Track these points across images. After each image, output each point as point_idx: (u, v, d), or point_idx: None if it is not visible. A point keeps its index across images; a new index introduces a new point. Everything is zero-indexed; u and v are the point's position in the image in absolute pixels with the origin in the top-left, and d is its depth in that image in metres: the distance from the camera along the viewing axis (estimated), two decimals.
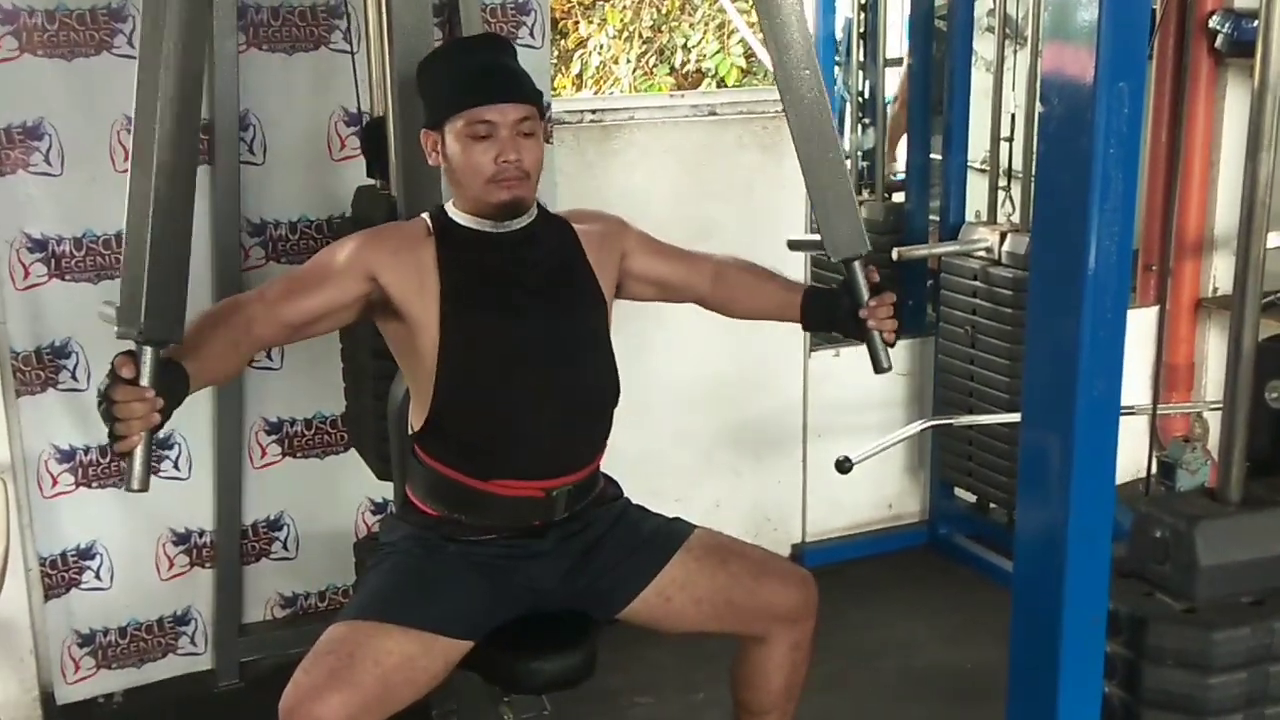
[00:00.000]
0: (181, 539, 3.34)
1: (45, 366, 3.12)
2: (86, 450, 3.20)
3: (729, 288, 2.52)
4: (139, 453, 1.92)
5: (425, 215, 2.35)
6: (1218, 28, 3.91)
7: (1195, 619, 1.44)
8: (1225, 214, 4.14)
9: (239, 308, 2.21)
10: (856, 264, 2.35)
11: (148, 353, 1.96)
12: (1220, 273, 4.18)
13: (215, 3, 3.03)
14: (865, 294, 2.35)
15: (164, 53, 2.01)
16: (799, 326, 2.55)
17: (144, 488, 1.95)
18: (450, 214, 2.31)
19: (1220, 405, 1.53)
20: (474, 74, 2.26)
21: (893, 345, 2.37)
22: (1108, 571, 1.41)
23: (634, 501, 2.51)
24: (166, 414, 1.95)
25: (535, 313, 2.31)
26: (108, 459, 3.20)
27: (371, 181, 2.99)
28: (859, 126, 4.46)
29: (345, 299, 2.24)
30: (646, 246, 2.49)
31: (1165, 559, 1.47)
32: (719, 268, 2.53)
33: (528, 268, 2.32)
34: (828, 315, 2.44)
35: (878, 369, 2.37)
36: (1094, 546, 1.39)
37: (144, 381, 1.93)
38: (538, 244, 2.34)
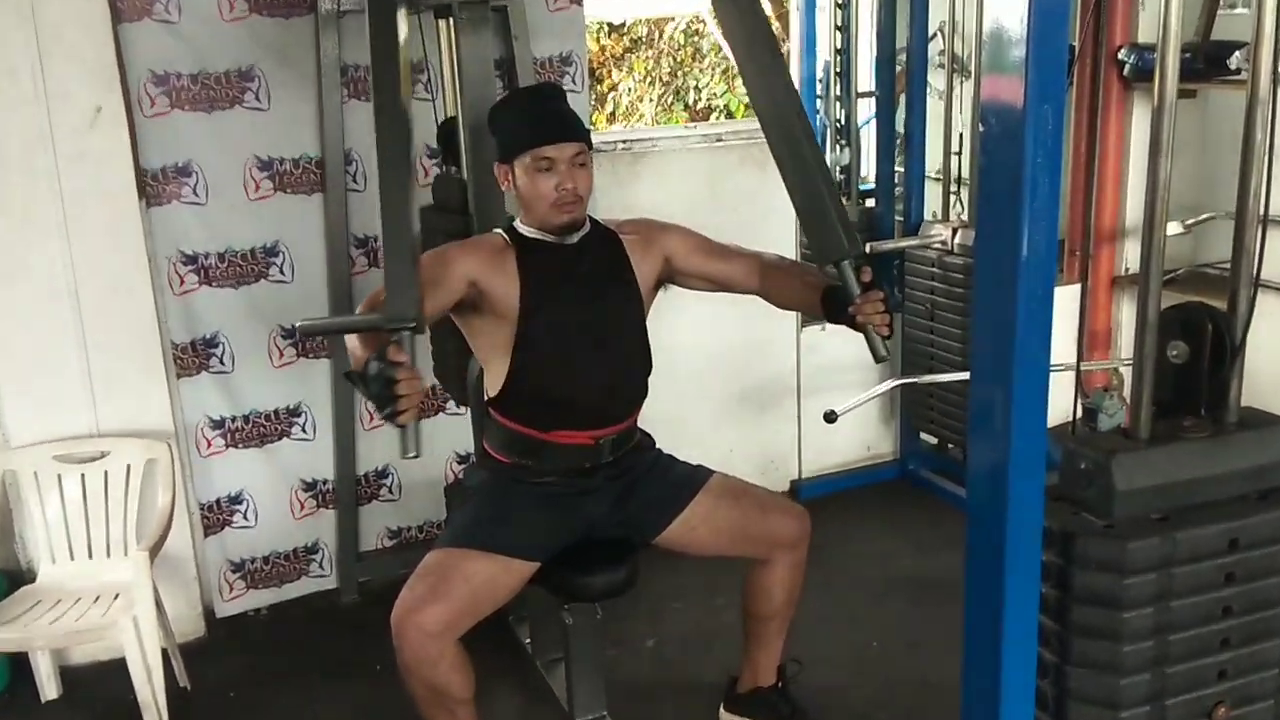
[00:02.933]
0: (309, 486, 3.37)
1: (199, 354, 3.15)
2: (233, 419, 3.23)
3: (774, 284, 2.40)
4: (414, 424, 1.88)
5: (500, 231, 2.35)
6: (1125, 59, 3.85)
7: (1113, 533, 1.44)
8: (1134, 207, 4.09)
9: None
10: (845, 265, 2.18)
11: (407, 338, 1.92)
12: (1130, 255, 4.13)
13: (323, 64, 3.06)
14: (856, 292, 2.16)
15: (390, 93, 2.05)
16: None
17: (420, 453, 1.91)
18: (522, 230, 2.31)
19: (1131, 361, 1.52)
20: (537, 119, 2.25)
21: (888, 337, 2.18)
22: (1042, 496, 1.41)
23: (664, 450, 2.52)
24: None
25: (589, 305, 2.32)
26: (250, 425, 3.24)
27: (449, 168, 2.97)
28: (837, 147, 4.42)
29: (453, 299, 2.22)
30: (697, 247, 2.42)
31: (1089, 485, 1.47)
32: (765, 267, 2.41)
33: (584, 270, 2.32)
34: (840, 311, 2.23)
35: (875, 358, 2.18)
36: (1031, 477, 1.39)
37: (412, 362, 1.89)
38: (591, 251, 2.34)
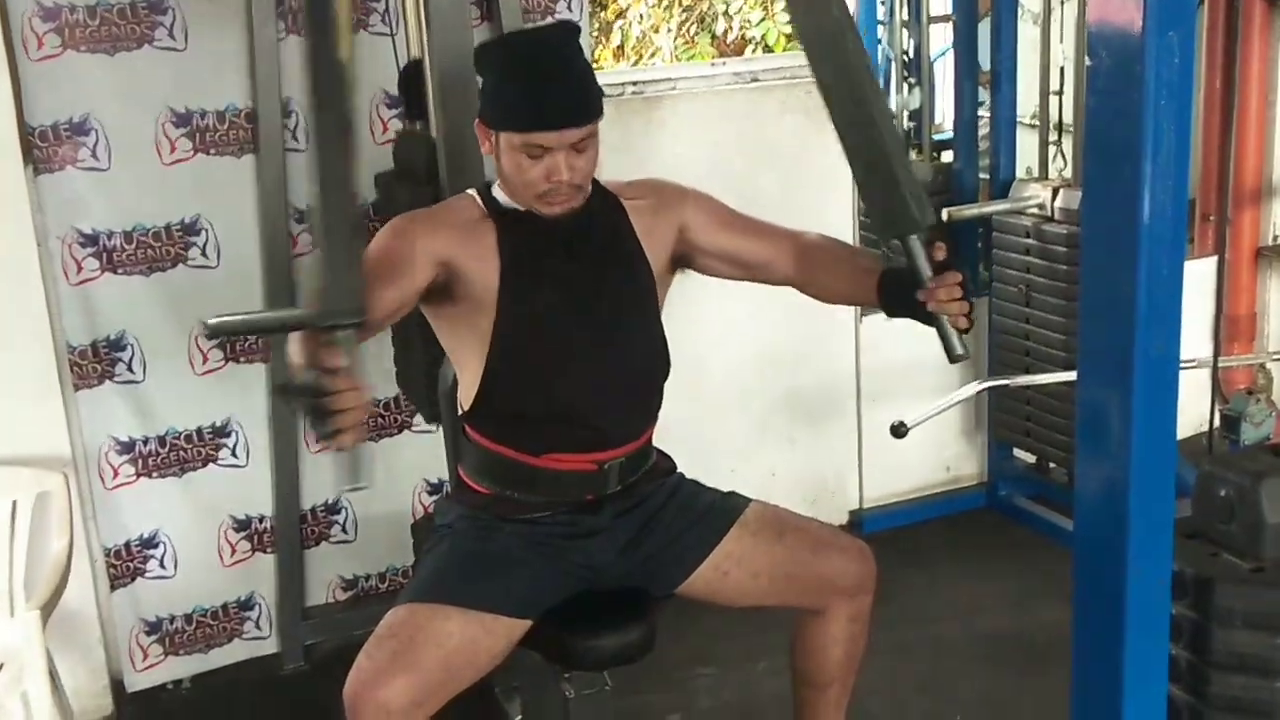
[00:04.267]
0: (242, 525, 3.38)
1: (102, 359, 3.16)
2: (146, 441, 3.24)
3: (814, 268, 2.37)
4: (358, 447, 1.84)
5: (474, 195, 2.33)
6: None
7: (1264, 578, 1.42)
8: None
9: None
10: (914, 240, 2.12)
11: (348, 337, 1.88)
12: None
13: None
14: (927, 273, 2.10)
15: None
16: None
17: (369, 484, 1.90)
18: (500, 199, 2.30)
19: None
20: (535, 92, 2.19)
21: (967, 330, 2.12)
22: (1171, 531, 1.39)
23: (688, 476, 2.51)
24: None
25: (585, 289, 2.30)
26: (166, 449, 3.25)
27: (412, 127, 2.99)
28: (904, 86, 4.42)
29: (418, 286, 2.20)
30: (716, 219, 2.41)
31: (1231, 518, 1.45)
32: (805, 248, 2.37)
33: (579, 246, 2.30)
34: (901, 299, 2.17)
35: (951, 358, 2.12)
36: (1156, 505, 1.37)
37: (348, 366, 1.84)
38: (588, 223, 2.31)
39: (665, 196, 2.41)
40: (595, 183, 2.35)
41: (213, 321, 2.04)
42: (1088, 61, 1.33)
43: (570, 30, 2.33)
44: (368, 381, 1.89)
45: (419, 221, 2.29)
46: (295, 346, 2.00)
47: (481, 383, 2.28)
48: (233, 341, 3.24)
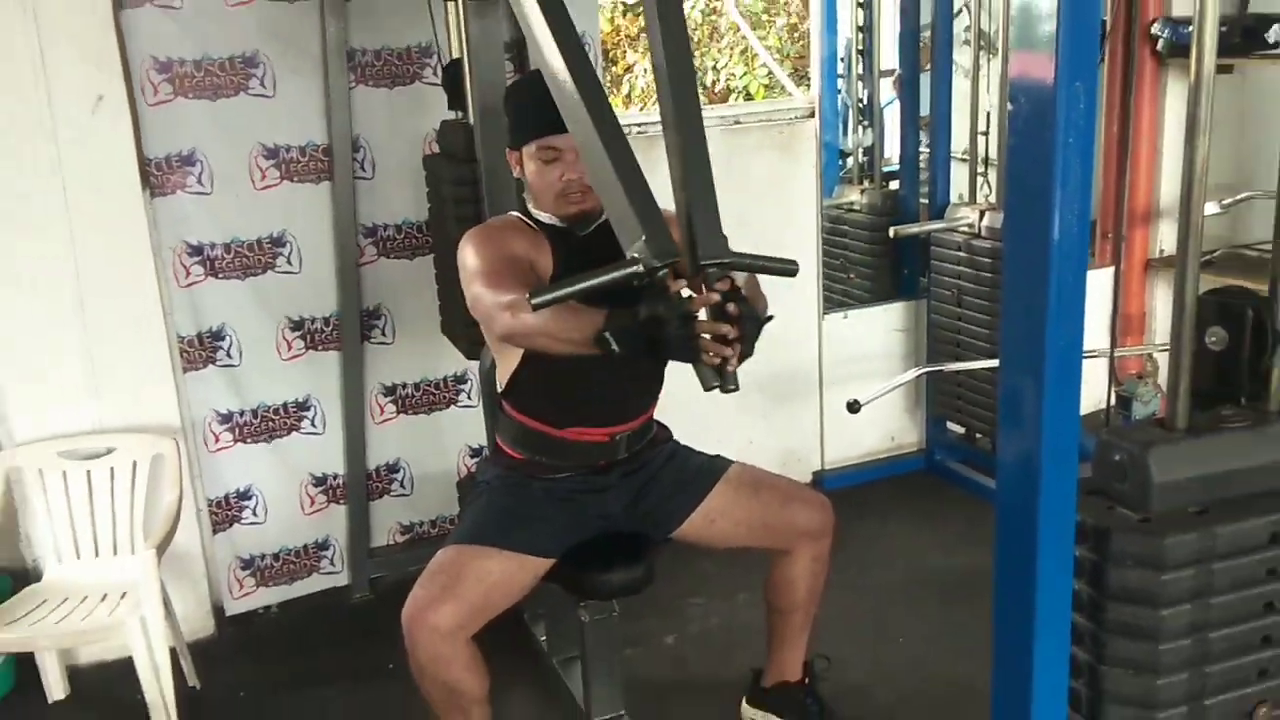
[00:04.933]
0: (319, 481, 3.38)
1: (205, 348, 3.16)
2: (241, 413, 3.24)
3: None
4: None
5: (517, 215, 2.34)
6: (1159, 33, 3.81)
7: (1150, 527, 1.41)
8: (1168, 188, 4.06)
9: (495, 320, 2.11)
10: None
11: (712, 273, 1.73)
12: (1165, 237, 4.10)
13: (328, 49, 3.05)
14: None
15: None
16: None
17: (739, 386, 1.74)
18: (540, 217, 2.30)
19: (1167, 347, 1.49)
20: (543, 107, 2.15)
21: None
22: (1075, 489, 1.39)
23: (682, 442, 2.51)
24: None
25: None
26: (258, 420, 3.25)
27: (454, 114, 2.96)
28: (859, 128, 4.40)
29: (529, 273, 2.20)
30: None
31: (1124, 478, 1.44)
32: None
33: (601, 258, 2.29)
34: None
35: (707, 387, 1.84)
36: (1063, 468, 1.36)
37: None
38: (608, 240, 2.30)
39: (669, 219, 2.40)
40: None
41: (536, 295, 1.79)
42: (1009, 107, 1.32)
43: None
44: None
45: (501, 230, 2.29)
46: (569, 323, 1.87)
47: (518, 369, 2.28)
48: (311, 332, 3.25)
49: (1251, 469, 1.47)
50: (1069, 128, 1.25)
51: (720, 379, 1.75)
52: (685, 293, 1.72)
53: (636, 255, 1.79)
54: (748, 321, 1.77)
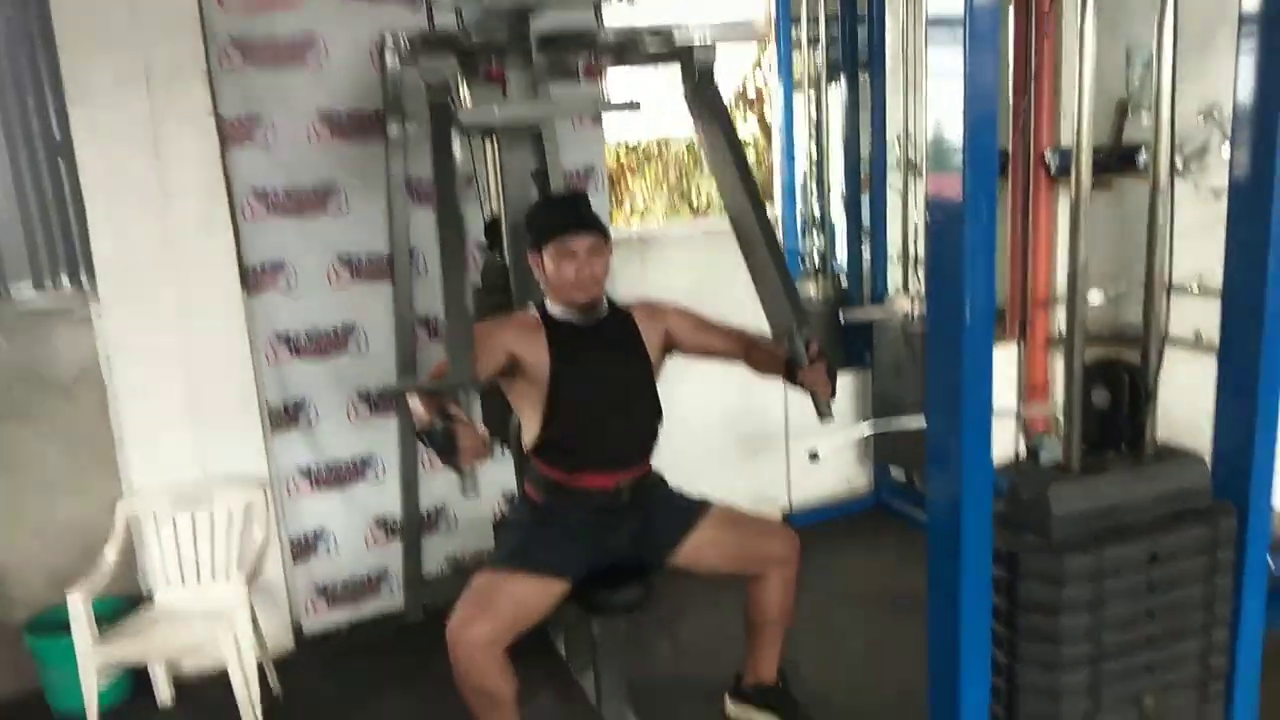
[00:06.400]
0: (381, 522, 3.36)
1: (290, 414, 3.17)
2: (317, 466, 3.23)
3: (754, 355, 2.39)
4: (472, 470, 1.86)
5: (533, 309, 2.36)
6: (1049, 159, 3.88)
7: (1051, 549, 1.42)
8: (1063, 280, 4.09)
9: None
10: (796, 337, 2.21)
11: (467, 396, 1.88)
12: (1062, 319, 4.12)
13: (391, 178, 3.08)
14: (803, 361, 2.21)
15: (449, 203, 2.08)
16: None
17: (479, 495, 1.90)
18: (551, 310, 2.32)
19: (1063, 407, 1.51)
20: (562, 216, 2.26)
21: (830, 398, 2.20)
22: (990, 521, 1.40)
23: (674, 487, 2.51)
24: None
25: (607, 371, 2.31)
26: (330, 472, 3.24)
27: (491, 251, 2.99)
28: (814, 234, 4.44)
29: (497, 364, 2.22)
30: (691, 323, 2.41)
31: (1030, 512, 1.45)
32: (746, 340, 2.41)
33: (603, 343, 2.32)
34: (795, 377, 2.27)
35: (820, 418, 2.20)
36: (980, 505, 1.38)
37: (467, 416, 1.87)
38: (609, 328, 2.33)
39: (655, 310, 2.43)
40: (612, 302, 2.38)
41: (385, 387, 2.06)
42: (928, 219, 1.36)
43: (582, 193, 2.41)
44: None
45: (497, 325, 2.32)
46: (420, 405, 2.00)
47: (539, 432, 2.29)
48: (378, 403, 3.26)
49: (1133, 502, 1.48)
50: (974, 235, 1.29)
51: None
52: (460, 415, 1.89)
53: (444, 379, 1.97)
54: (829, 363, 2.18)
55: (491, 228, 3.00)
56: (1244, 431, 1.51)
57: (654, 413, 2.39)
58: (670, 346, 2.42)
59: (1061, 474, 1.48)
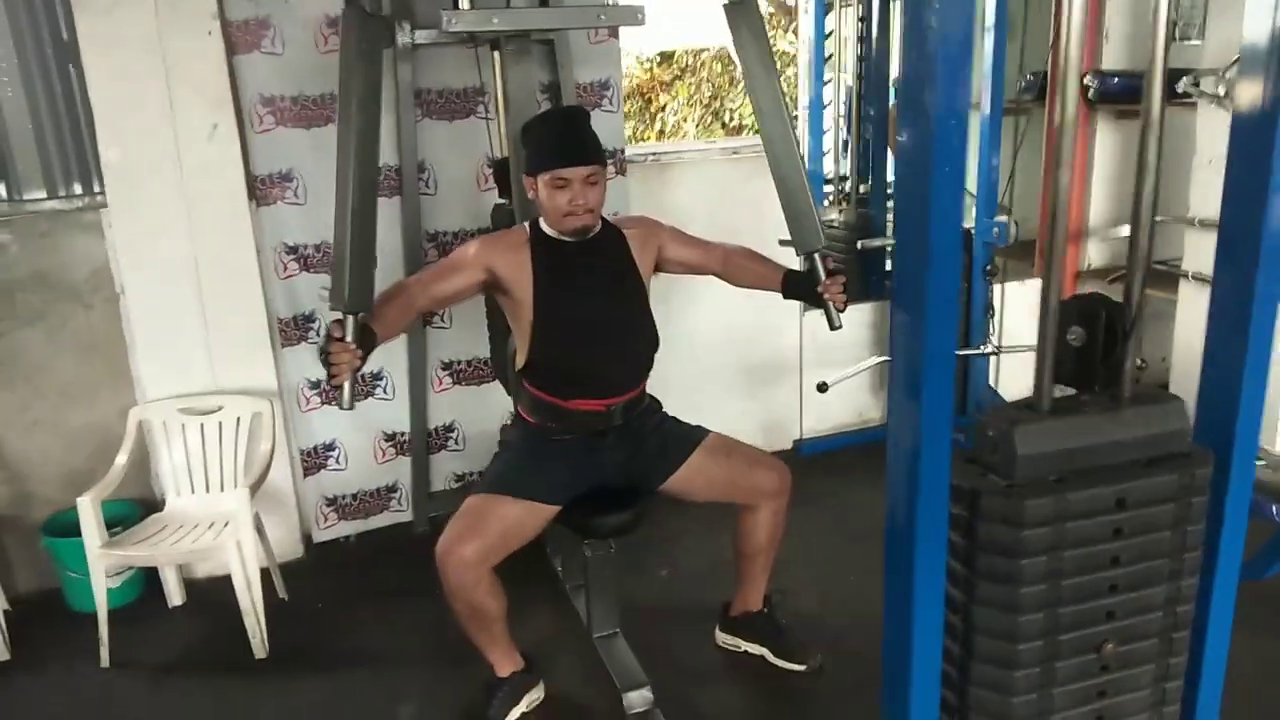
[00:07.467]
0: (390, 437, 3.42)
1: (299, 328, 3.21)
2: (326, 382, 3.26)
3: (733, 269, 2.44)
4: (347, 386, 1.95)
5: (526, 225, 2.35)
6: (1090, 84, 3.72)
7: (1014, 491, 1.40)
8: (1095, 210, 3.97)
9: (405, 288, 2.23)
10: (815, 255, 2.30)
11: (350, 320, 1.97)
12: (1092, 252, 4.02)
13: (400, 89, 3.07)
14: (822, 275, 2.28)
15: (352, 121, 2.04)
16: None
17: (352, 407, 1.99)
18: (543, 228, 2.31)
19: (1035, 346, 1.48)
20: (558, 143, 2.21)
21: (843, 311, 2.29)
22: (949, 457, 1.38)
23: (684, 415, 2.51)
24: (363, 359, 1.98)
25: (597, 290, 2.30)
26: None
27: (502, 200, 2.99)
28: (839, 160, 4.35)
29: (471, 282, 2.25)
30: (677, 239, 2.43)
31: (995, 450, 1.43)
32: (727, 254, 2.44)
33: (594, 262, 2.31)
34: (797, 290, 2.34)
35: (831, 327, 2.30)
36: (938, 441, 1.37)
37: (348, 339, 1.96)
38: (599, 247, 2.32)
39: (649, 228, 2.42)
40: (604, 219, 2.36)
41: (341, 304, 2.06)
42: (899, 138, 1.30)
43: (582, 111, 2.35)
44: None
45: (479, 241, 2.31)
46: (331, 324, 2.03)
47: (529, 353, 2.30)
48: None
49: (1102, 445, 1.45)
50: (942, 163, 1.24)
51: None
52: (336, 334, 1.96)
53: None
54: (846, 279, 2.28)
55: (499, 169, 2.95)
56: (1233, 372, 1.47)
57: (647, 335, 2.38)
58: (658, 264, 2.42)
59: (1030, 413, 1.45)
